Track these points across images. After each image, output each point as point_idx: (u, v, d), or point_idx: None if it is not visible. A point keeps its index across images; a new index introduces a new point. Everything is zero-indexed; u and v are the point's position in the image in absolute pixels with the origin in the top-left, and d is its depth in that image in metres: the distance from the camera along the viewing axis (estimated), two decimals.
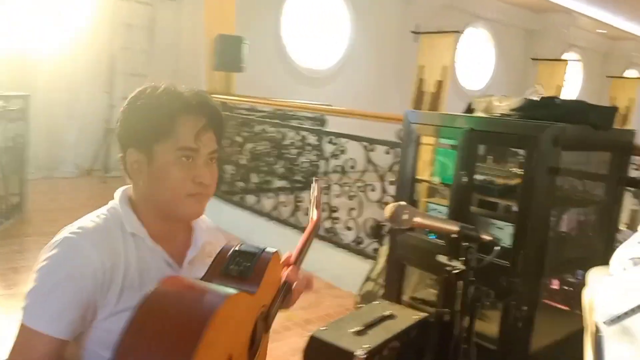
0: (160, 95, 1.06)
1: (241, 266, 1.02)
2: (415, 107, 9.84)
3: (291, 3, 9.14)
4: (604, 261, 1.53)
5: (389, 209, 1.30)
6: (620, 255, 1.43)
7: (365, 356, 2.06)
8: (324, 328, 2.23)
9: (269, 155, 4.95)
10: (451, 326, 2.34)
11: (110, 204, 1.13)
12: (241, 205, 5.12)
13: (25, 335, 0.99)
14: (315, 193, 1.33)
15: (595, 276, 1.80)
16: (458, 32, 9.88)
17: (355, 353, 1.97)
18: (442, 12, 10.26)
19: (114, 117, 7.11)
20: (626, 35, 13.97)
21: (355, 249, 3.96)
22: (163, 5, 7.58)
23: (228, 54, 6.37)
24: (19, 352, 0.99)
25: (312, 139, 4.77)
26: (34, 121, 6.29)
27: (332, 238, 4.15)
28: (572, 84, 14.41)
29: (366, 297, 3.37)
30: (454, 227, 1.20)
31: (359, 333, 2.16)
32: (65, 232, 1.04)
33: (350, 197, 3.99)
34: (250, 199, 5.08)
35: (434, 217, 1.67)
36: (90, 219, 1.08)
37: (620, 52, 14.96)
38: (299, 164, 4.68)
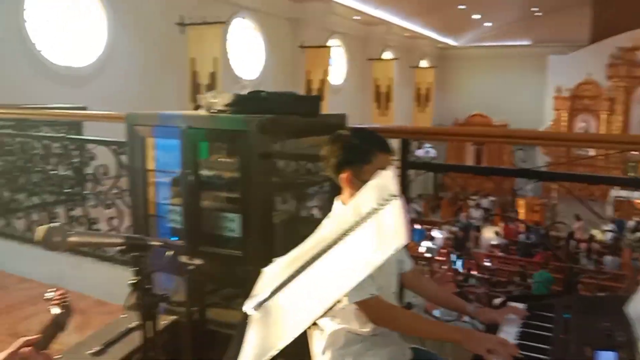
0: None
1: None
2: (192, 100, 9.72)
3: None
4: None
5: (37, 234, 1.21)
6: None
7: None
8: (59, 356, 2.08)
9: (13, 170, 4.38)
10: (202, 324, 2.36)
11: None
12: None
13: None
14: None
15: None
16: (224, 22, 9.97)
17: None
18: (206, 3, 10.23)
19: None
20: (378, 21, 15.67)
21: (120, 259, 3.75)
22: None
23: None
24: None
25: (60, 147, 4.33)
26: None
27: (95, 252, 3.88)
28: (338, 68, 15.70)
29: (134, 308, 3.23)
30: (117, 240, 1.17)
31: (97, 353, 2.06)
32: None
33: (108, 206, 3.76)
34: None
35: (94, 233, 1.64)
36: None
37: (375, 36, 16.72)
38: (49, 177, 4.23)
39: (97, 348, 2.04)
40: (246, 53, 12.56)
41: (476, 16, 18.44)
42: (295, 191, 2.60)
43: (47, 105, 5.45)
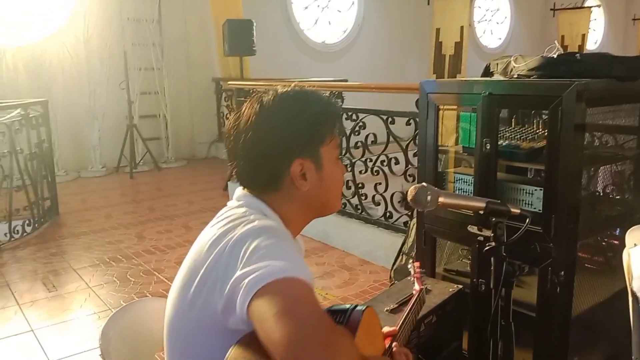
0: (316, 99, 1.07)
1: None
2: (435, 72, 9.66)
3: None
4: None
5: (411, 192, 1.26)
6: None
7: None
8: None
9: None
10: (487, 296, 2.31)
11: (249, 210, 1.00)
12: None
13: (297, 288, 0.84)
14: (413, 273, 1.40)
15: (634, 236, 1.74)
16: None
17: None
18: None
19: (134, 113, 7.19)
20: None
21: (385, 223, 3.93)
22: None
23: (238, 38, 6.32)
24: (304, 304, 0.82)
25: None
26: (56, 125, 6.42)
27: (361, 215, 4.13)
28: (593, 31, 13.89)
29: (399, 272, 3.35)
30: (480, 204, 1.16)
31: (392, 311, 2.15)
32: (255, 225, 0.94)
33: (375, 172, 3.95)
34: None
35: (458, 195, 1.63)
36: (260, 219, 0.97)
37: None
38: None
39: (392, 306, 2.14)
40: (490, 20, 11.94)
41: None
42: (597, 166, 2.34)
43: (307, 78, 5.97)
